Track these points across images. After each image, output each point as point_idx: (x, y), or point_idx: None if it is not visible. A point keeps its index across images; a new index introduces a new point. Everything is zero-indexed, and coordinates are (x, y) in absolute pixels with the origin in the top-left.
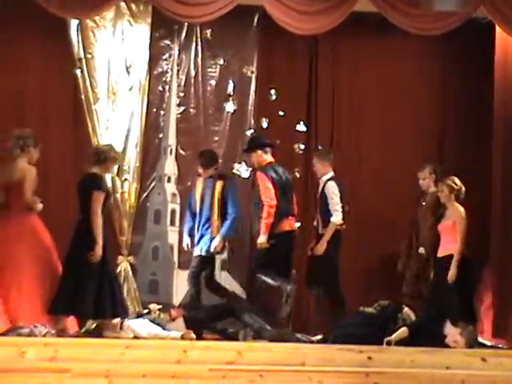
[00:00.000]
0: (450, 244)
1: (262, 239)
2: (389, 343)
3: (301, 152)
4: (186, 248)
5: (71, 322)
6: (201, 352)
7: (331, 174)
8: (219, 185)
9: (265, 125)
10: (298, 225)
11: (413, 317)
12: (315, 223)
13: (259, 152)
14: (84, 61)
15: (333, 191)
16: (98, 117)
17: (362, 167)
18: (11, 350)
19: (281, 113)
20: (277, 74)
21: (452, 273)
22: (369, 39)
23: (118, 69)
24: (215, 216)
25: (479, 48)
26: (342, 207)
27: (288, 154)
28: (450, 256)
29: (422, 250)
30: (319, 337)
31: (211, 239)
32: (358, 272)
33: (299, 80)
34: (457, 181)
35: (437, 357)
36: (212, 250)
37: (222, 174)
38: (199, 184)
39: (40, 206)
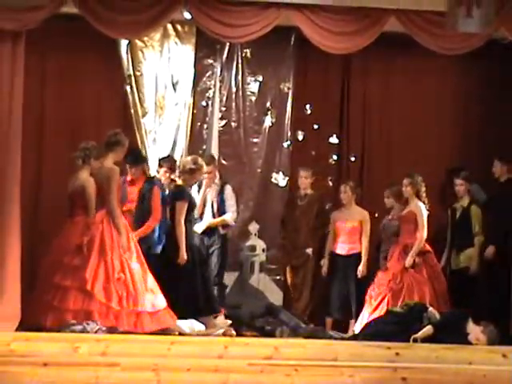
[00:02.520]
0: (355, 243)
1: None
2: (415, 340)
3: (333, 163)
4: None
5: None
6: (240, 348)
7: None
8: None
9: (300, 137)
10: None
11: (437, 316)
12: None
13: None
14: (133, 78)
15: (232, 193)
16: (146, 129)
17: (391, 176)
18: (65, 346)
19: (315, 126)
20: (311, 90)
21: (364, 269)
22: (398, 56)
23: (164, 85)
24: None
25: (500, 67)
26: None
27: (321, 164)
28: (356, 254)
29: (309, 250)
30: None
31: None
32: None
33: (332, 96)
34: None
35: (460, 353)
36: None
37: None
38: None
39: (125, 242)
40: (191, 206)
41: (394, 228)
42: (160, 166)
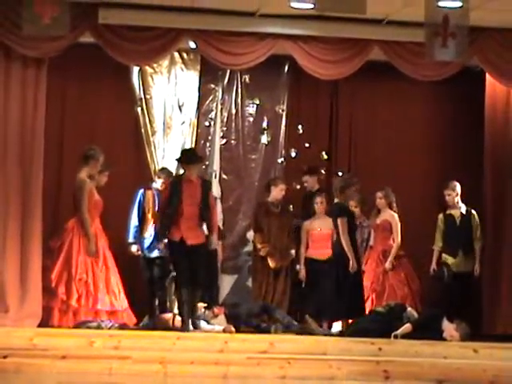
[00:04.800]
0: (329, 248)
1: None
2: (396, 337)
3: (322, 177)
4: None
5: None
6: (239, 343)
7: None
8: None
9: (293, 154)
10: None
11: (415, 315)
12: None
13: None
14: (144, 100)
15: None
16: (155, 147)
17: (375, 190)
18: (82, 340)
19: (306, 144)
20: (303, 112)
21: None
22: (382, 82)
23: (172, 107)
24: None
25: (472, 92)
26: None
27: None
28: (329, 259)
29: (293, 252)
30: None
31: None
32: None
33: (322, 117)
34: None
35: (436, 348)
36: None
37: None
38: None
39: (93, 249)
40: (350, 219)
41: (365, 235)
42: (158, 176)
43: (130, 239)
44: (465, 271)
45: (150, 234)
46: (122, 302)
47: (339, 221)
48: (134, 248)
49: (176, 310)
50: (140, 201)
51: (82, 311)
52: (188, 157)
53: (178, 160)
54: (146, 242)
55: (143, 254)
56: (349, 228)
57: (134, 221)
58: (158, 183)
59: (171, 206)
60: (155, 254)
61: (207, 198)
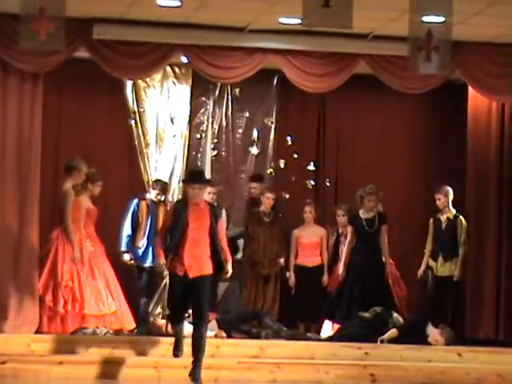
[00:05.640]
0: (318, 256)
1: None
2: (382, 341)
3: (311, 187)
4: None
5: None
6: (230, 348)
7: None
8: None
9: (282, 165)
10: None
11: (401, 320)
12: None
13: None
14: (137, 113)
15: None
16: (149, 158)
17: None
18: (78, 346)
19: (295, 155)
20: (292, 124)
21: (326, 278)
22: (367, 95)
23: (164, 120)
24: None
25: (455, 104)
26: None
27: (301, 188)
28: (320, 266)
29: (282, 261)
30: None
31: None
32: None
33: (310, 129)
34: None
35: (421, 352)
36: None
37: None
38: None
39: (78, 256)
40: (355, 228)
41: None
42: (153, 188)
43: (123, 248)
44: (447, 276)
45: (142, 243)
46: (109, 306)
47: (347, 229)
48: (126, 257)
49: None
50: (134, 210)
51: (70, 317)
52: (196, 178)
53: (185, 181)
54: (139, 252)
55: (136, 262)
56: (359, 235)
57: (126, 230)
58: (152, 194)
59: (176, 231)
60: (148, 263)
61: (217, 225)
